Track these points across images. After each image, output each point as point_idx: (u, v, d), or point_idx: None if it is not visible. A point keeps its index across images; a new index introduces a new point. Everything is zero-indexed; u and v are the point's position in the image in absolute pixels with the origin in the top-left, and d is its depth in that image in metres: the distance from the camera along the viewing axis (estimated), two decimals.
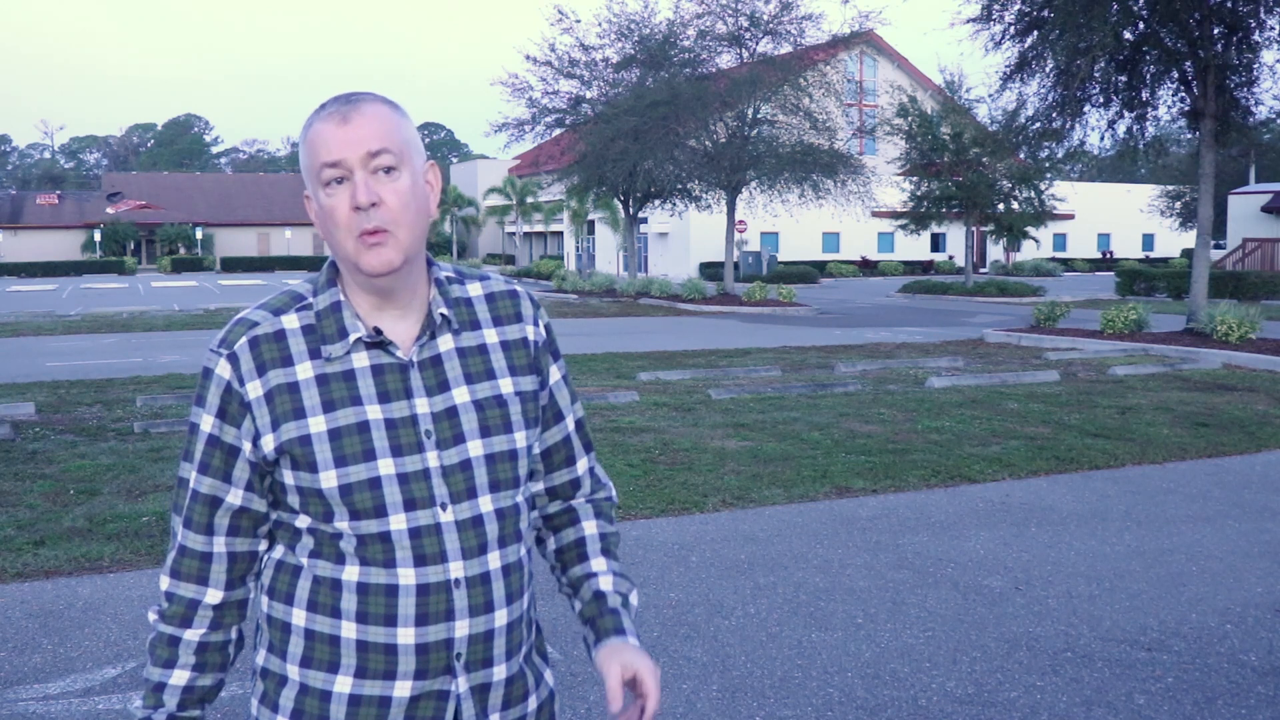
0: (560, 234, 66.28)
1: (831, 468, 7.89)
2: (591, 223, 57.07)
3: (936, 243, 58.29)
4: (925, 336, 19.27)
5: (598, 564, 1.67)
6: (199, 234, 66.85)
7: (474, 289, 1.59)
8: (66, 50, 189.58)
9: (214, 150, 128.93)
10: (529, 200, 62.75)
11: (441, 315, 1.52)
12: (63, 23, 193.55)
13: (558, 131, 32.85)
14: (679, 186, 30.91)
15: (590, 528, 1.70)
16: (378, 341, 1.49)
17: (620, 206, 35.84)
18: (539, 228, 66.98)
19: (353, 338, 1.48)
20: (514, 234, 70.47)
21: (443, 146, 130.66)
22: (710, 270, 47.91)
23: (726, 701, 3.97)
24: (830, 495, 7.17)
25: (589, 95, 31.20)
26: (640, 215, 34.92)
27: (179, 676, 1.53)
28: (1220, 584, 5.31)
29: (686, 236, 53.09)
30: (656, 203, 32.80)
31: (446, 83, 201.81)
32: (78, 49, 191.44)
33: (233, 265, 63.90)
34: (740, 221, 38.66)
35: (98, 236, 64.82)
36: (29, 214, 67.51)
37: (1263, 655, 4.39)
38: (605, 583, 1.65)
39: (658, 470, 7.80)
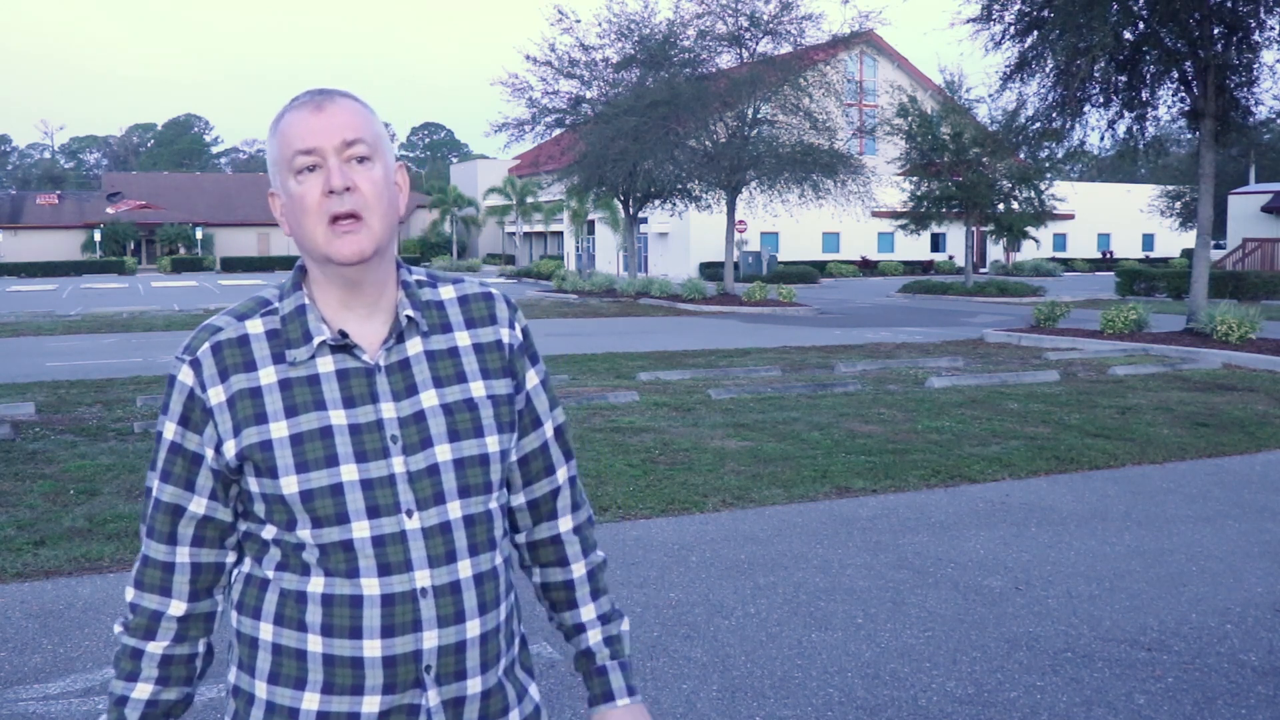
0: (560, 234, 66.26)
1: (831, 468, 7.89)
2: (591, 223, 57.06)
3: (936, 243, 58.28)
4: (925, 336, 19.27)
5: (587, 612, 1.65)
6: (199, 234, 66.82)
7: (446, 292, 1.56)
8: (66, 50, 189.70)
9: (214, 150, 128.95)
10: (529, 200, 62.73)
11: (407, 318, 1.49)
12: (63, 23, 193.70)
13: (558, 131, 32.86)
14: (679, 186, 30.91)
15: (579, 569, 1.66)
16: (343, 345, 1.46)
17: (620, 206, 35.84)
18: (539, 228, 66.96)
19: (317, 341, 1.45)
20: (514, 234, 70.47)
21: (443, 146, 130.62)
22: (710, 270, 47.90)
23: (726, 701, 3.97)
24: (830, 495, 7.17)
25: (589, 95, 31.22)
26: (640, 215, 34.91)
27: (142, 690, 1.50)
28: (1220, 584, 5.31)
29: (686, 236, 53.08)
30: (656, 203, 32.80)
31: (447, 83, 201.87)
32: (78, 49, 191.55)
33: (233, 265, 63.90)
34: (740, 221, 38.66)
35: (98, 236, 64.80)
36: (29, 214, 67.49)
37: (1263, 655, 4.39)
38: (594, 636, 1.64)
39: (658, 470, 7.80)
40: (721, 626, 4.73)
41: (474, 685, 1.47)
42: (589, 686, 1.64)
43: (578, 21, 30.20)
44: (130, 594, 1.52)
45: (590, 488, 7.23)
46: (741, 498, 7.06)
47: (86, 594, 5.19)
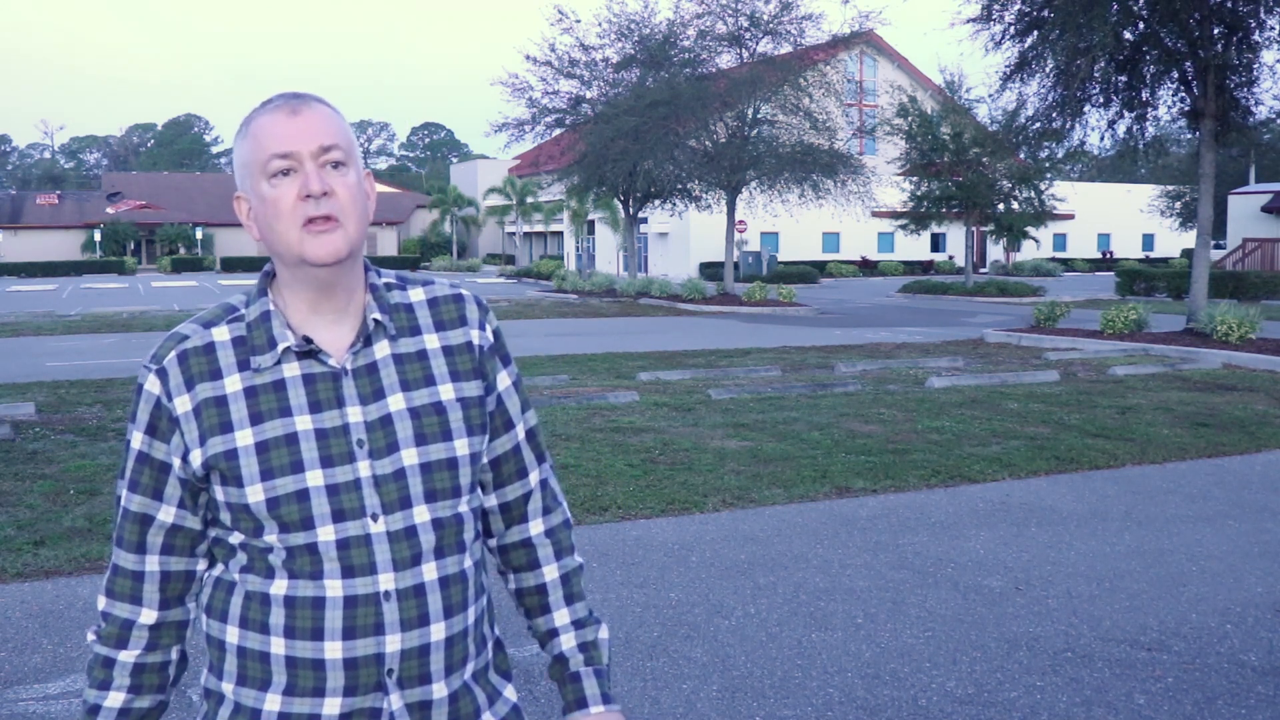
0: (560, 234, 66.26)
1: (831, 468, 7.89)
2: (591, 223, 57.06)
3: (936, 243, 58.27)
4: (925, 336, 19.27)
5: (560, 617, 1.64)
6: (199, 234, 66.79)
7: (416, 294, 1.55)
8: (66, 50, 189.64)
9: (214, 150, 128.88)
10: (529, 200, 62.73)
11: (375, 321, 1.48)
12: (63, 23, 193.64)
13: (558, 131, 32.85)
14: (679, 186, 30.91)
15: (550, 573, 1.65)
16: (308, 350, 1.46)
17: (620, 206, 35.84)
18: (539, 228, 66.97)
19: (281, 347, 1.45)
20: (514, 234, 70.46)
21: (443, 146, 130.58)
22: (710, 270, 47.89)
23: (726, 701, 3.97)
24: (830, 495, 7.17)
25: (589, 95, 31.23)
26: (640, 215, 34.91)
27: (114, 699, 1.50)
28: (1220, 584, 5.31)
29: (686, 236, 53.07)
30: (656, 203, 32.81)
31: (447, 83, 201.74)
32: (78, 49, 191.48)
33: (233, 265, 63.84)
34: (740, 221, 38.64)
35: (98, 236, 64.75)
36: (29, 214, 67.46)
37: (1263, 655, 4.39)
38: (567, 642, 1.63)
39: (658, 470, 7.80)
40: (721, 626, 4.73)
41: (439, 690, 1.47)
42: (562, 694, 1.63)
43: (578, 21, 30.22)
44: (102, 602, 1.52)
45: (590, 488, 7.23)
46: (741, 498, 7.06)
47: (86, 594, 5.19)
